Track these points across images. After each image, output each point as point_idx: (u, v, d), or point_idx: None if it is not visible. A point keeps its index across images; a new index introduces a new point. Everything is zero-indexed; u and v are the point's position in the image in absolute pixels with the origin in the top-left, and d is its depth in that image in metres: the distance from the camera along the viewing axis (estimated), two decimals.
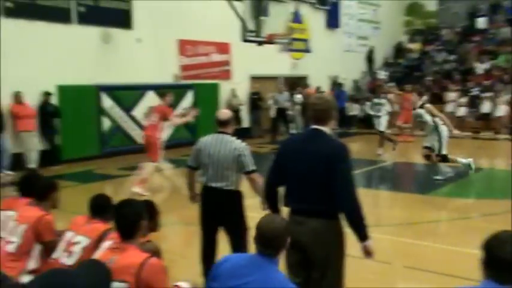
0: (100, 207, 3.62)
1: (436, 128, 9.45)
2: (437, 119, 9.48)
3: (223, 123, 4.61)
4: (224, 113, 4.70)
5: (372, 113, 13.96)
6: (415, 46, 23.23)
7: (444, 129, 9.46)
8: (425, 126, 9.73)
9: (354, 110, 19.78)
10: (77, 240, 3.44)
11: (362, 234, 3.29)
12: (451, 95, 17.67)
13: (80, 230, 3.50)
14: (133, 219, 2.91)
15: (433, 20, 24.40)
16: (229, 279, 2.67)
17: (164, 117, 9.07)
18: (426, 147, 9.68)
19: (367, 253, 3.35)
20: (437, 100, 18.56)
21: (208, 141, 4.57)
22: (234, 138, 4.54)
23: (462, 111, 17.32)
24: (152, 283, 2.71)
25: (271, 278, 2.62)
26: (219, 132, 4.59)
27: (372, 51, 22.68)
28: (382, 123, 13.12)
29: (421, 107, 9.71)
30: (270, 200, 3.63)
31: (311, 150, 3.33)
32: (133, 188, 8.80)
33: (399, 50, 23.91)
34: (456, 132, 9.88)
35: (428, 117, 9.52)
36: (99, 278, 1.63)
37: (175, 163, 11.50)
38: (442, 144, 9.44)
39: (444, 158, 9.58)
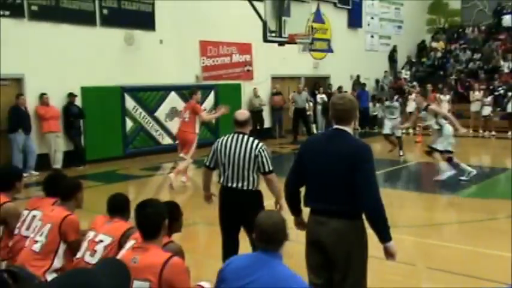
0: (118, 207, 3.67)
1: (440, 128, 9.23)
2: (441, 120, 9.23)
3: (241, 124, 4.62)
4: (242, 113, 4.72)
5: (380, 116, 13.78)
6: (439, 45, 22.93)
7: (448, 128, 9.22)
8: (432, 128, 9.50)
9: (376, 110, 19.62)
10: (99, 239, 3.48)
11: (384, 236, 3.26)
12: (476, 94, 17.39)
13: (102, 229, 3.55)
14: (155, 220, 2.93)
15: (457, 18, 24.07)
16: (235, 281, 2.68)
17: (195, 113, 9.50)
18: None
19: (390, 255, 3.32)
20: (463, 99, 18.34)
21: (226, 141, 4.58)
22: (252, 139, 4.55)
23: (487, 111, 17.04)
24: (174, 282, 2.74)
25: (277, 271, 2.63)
26: (237, 132, 4.60)
27: (395, 50, 22.46)
28: (398, 127, 12.67)
29: (425, 109, 9.50)
30: (291, 201, 3.62)
31: (334, 150, 3.31)
32: (171, 175, 9.43)
33: (422, 49, 23.64)
34: (463, 131, 9.64)
35: (431, 120, 9.33)
36: (120, 277, 1.64)
37: (197, 163, 11.54)
38: (437, 140, 9.21)
39: (430, 152, 9.35)
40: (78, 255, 3.54)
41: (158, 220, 2.93)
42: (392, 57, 22.54)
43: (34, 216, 3.92)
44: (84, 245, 3.54)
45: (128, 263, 2.76)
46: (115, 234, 3.47)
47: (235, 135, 4.58)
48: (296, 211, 3.63)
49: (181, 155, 9.66)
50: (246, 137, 4.55)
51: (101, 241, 3.46)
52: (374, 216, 3.24)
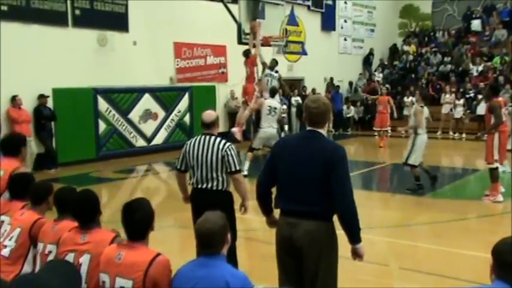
0: (65, 203, 3.51)
1: None
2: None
3: (208, 125, 4.60)
4: (209, 114, 4.68)
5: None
6: (410, 48, 23.31)
7: None
8: None
9: (350, 112, 19.82)
10: (48, 250, 3.37)
11: (355, 237, 3.30)
12: (447, 97, 17.73)
13: (48, 237, 3.42)
14: (143, 224, 2.93)
15: (428, 22, 24.51)
16: None
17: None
18: None
19: (358, 256, 3.37)
20: (434, 102, 18.65)
21: (194, 143, 4.57)
22: (219, 139, 4.54)
23: (460, 113, 17.38)
24: (159, 281, 2.77)
25: (215, 271, 2.66)
26: (205, 133, 4.59)
27: (372, 53, 22.77)
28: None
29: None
30: (263, 201, 3.62)
31: (308, 151, 3.32)
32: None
33: (394, 52, 23.99)
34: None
35: None
36: (69, 279, 1.62)
37: (170, 166, 11.48)
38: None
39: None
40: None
41: (146, 224, 2.93)
42: (368, 60, 22.81)
43: (2, 222, 3.82)
44: (38, 260, 3.42)
45: (112, 260, 2.79)
46: (58, 241, 3.31)
47: (203, 137, 4.57)
48: (267, 211, 3.64)
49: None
50: (213, 138, 4.54)
51: (50, 252, 3.35)
52: (347, 217, 3.27)
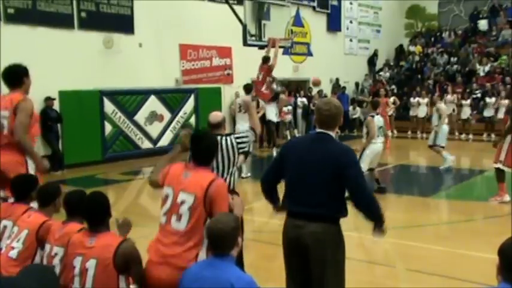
0: (74, 206, 3.50)
1: None
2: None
3: (215, 126, 4.59)
4: (216, 115, 4.65)
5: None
6: (417, 49, 23.25)
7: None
8: None
9: (356, 113, 19.78)
10: (54, 252, 3.37)
11: (381, 220, 3.35)
12: (449, 98, 17.61)
13: (55, 239, 3.42)
14: (208, 150, 3.40)
15: (434, 22, 24.43)
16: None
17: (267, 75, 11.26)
18: None
19: (382, 233, 3.41)
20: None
21: None
22: (225, 136, 4.52)
23: (466, 114, 17.28)
24: (216, 198, 3.16)
25: (222, 273, 2.69)
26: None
27: (376, 54, 22.71)
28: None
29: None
30: (269, 194, 3.67)
31: (317, 154, 3.33)
32: None
33: (400, 53, 23.93)
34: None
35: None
36: (47, 283, 1.63)
37: None
38: None
39: None
40: None
41: (211, 152, 3.43)
42: (372, 61, 22.76)
43: (5, 227, 3.79)
44: (45, 262, 3.42)
45: (179, 176, 3.26)
46: (65, 243, 3.30)
47: None
48: (274, 201, 3.68)
49: None
50: (219, 137, 4.54)
51: (56, 254, 3.35)
52: (370, 207, 3.31)
